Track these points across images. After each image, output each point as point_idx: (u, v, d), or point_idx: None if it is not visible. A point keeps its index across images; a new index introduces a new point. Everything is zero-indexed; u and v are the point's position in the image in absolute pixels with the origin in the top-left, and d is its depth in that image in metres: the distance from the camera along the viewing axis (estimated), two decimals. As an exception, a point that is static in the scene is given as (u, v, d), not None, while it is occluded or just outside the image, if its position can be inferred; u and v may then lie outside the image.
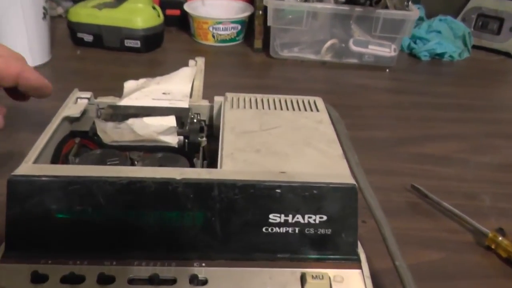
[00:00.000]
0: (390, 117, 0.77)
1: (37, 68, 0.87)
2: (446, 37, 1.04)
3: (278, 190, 0.35)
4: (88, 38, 0.95)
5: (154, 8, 0.96)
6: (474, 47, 1.08)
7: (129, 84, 0.52)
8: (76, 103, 0.48)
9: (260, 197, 0.35)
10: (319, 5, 0.92)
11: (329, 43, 0.94)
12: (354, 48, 0.93)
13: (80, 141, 0.46)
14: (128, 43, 0.94)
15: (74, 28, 0.96)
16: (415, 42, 1.04)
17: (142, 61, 0.93)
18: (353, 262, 0.36)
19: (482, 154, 0.69)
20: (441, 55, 1.02)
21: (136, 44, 0.94)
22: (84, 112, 0.47)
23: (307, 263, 0.35)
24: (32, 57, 0.86)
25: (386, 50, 0.93)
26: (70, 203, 0.34)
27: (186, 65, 0.57)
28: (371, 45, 0.92)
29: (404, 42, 1.03)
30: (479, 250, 0.50)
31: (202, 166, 0.44)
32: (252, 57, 0.99)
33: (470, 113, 0.81)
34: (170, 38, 1.02)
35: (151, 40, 0.96)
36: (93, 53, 0.95)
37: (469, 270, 0.48)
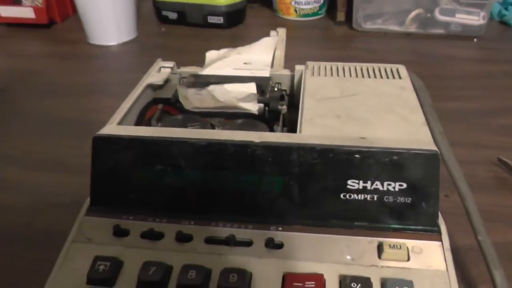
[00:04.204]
0: (479, 87, 0.73)
1: (123, 44, 0.91)
2: (541, 1, 0.96)
3: (357, 155, 0.34)
4: (173, 15, 0.98)
5: (236, -16, 0.97)
6: None
7: (210, 54, 0.53)
8: (159, 72, 0.49)
9: (338, 162, 0.34)
10: (404, -27, 0.88)
11: (414, 13, 0.90)
12: (440, 17, 0.88)
13: (163, 107, 0.48)
14: (211, 19, 0.95)
15: (159, 6, 0.99)
16: (506, 9, 0.97)
17: (224, 36, 0.94)
18: (433, 233, 0.34)
19: None
20: (535, 21, 0.95)
21: (219, 20, 0.95)
22: (167, 81, 0.48)
23: (385, 232, 0.34)
24: (118, 34, 0.90)
25: (475, 18, 0.87)
26: (151, 162, 0.35)
27: (268, 38, 0.57)
28: (458, 14, 0.88)
29: (494, 9, 0.97)
30: None
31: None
32: (335, 30, 0.97)
33: None
34: (252, 14, 1.03)
35: (234, 16, 0.97)
36: (177, 29, 0.97)
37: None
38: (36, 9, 0.98)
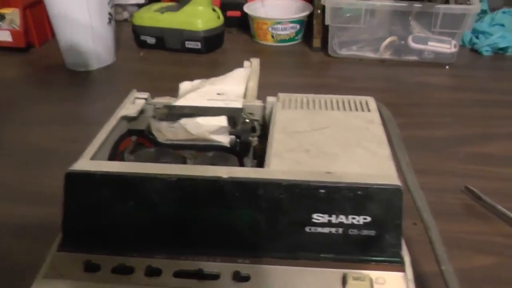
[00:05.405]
0: (450, 115, 0.75)
1: (102, 69, 0.92)
2: (510, 30, 0.99)
3: (322, 190, 0.35)
4: (151, 40, 0.99)
5: (214, 10, 0.99)
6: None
7: (184, 85, 0.54)
8: (134, 103, 0.50)
9: (304, 196, 0.35)
10: (377, 2, 0.91)
11: (387, 40, 0.93)
12: (413, 45, 0.91)
13: (137, 139, 0.48)
14: (189, 44, 0.97)
15: (137, 31, 1.00)
16: (477, 37, 1.00)
17: (202, 61, 0.96)
18: (396, 264, 0.35)
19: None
20: (504, 49, 0.98)
21: (197, 45, 0.96)
22: (141, 112, 0.49)
23: (349, 263, 0.35)
24: (97, 59, 0.91)
25: (446, 46, 0.90)
26: (122, 198, 0.36)
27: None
28: (430, 42, 0.91)
29: (465, 37, 1.00)
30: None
31: (252, 165, 0.45)
32: (311, 56, 0.99)
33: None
34: (230, 39, 1.04)
35: (211, 41, 0.98)
36: (155, 54, 0.98)
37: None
38: (13, 33, 0.98)
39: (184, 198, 0.36)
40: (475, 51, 1.00)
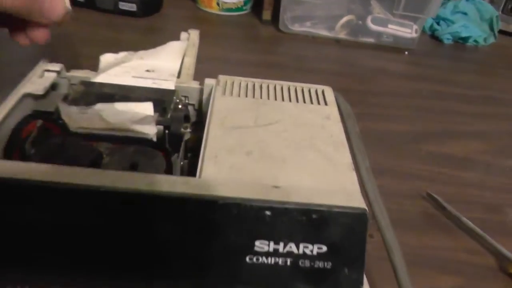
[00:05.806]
0: (408, 107, 0.70)
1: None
2: (472, 20, 0.96)
3: (268, 213, 0.28)
4: (80, -3, 0.87)
5: (153, -32, 0.88)
6: (500, 32, 1.01)
7: (106, 58, 0.44)
8: (43, 77, 0.40)
9: (245, 219, 0.28)
10: (336, -24, 0.83)
11: (345, 19, 0.86)
12: (372, 26, 0.85)
13: (43, 124, 0.38)
14: (123, 5, 0.86)
15: (65, -14, 0.88)
16: (438, 23, 0.96)
17: (138, 26, 0.85)
18: None
19: (508, 157, 0.61)
20: (465, 39, 0.95)
21: (132, 7, 0.86)
22: (53, 86, 0.40)
23: (299, 302, 0.28)
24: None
25: (407, 31, 0.85)
26: (11, 210, 0.27)
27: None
28: (391, 24, 0.85)
29: (426, 22, 0.96)
30: (501, 277, 0.44)
31: (182, 167, 0.37)
32: (260, 29, 0.91)
33: (496, 108, 0.74)
34: (170, 3, 0.95)
35: (149, 3, 0.89)
36: (84, 14, 0.87)
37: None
38: None
39: (90, 214, 0.27)
40: (435, 38, 0.96)
